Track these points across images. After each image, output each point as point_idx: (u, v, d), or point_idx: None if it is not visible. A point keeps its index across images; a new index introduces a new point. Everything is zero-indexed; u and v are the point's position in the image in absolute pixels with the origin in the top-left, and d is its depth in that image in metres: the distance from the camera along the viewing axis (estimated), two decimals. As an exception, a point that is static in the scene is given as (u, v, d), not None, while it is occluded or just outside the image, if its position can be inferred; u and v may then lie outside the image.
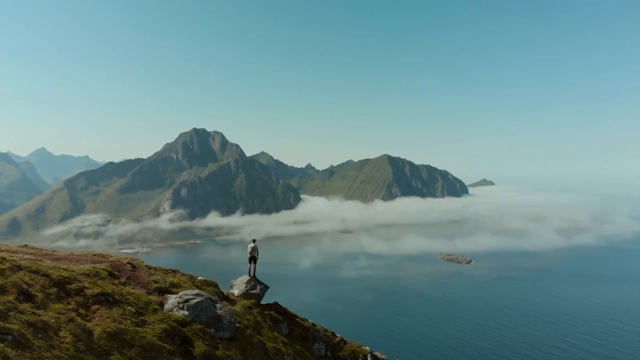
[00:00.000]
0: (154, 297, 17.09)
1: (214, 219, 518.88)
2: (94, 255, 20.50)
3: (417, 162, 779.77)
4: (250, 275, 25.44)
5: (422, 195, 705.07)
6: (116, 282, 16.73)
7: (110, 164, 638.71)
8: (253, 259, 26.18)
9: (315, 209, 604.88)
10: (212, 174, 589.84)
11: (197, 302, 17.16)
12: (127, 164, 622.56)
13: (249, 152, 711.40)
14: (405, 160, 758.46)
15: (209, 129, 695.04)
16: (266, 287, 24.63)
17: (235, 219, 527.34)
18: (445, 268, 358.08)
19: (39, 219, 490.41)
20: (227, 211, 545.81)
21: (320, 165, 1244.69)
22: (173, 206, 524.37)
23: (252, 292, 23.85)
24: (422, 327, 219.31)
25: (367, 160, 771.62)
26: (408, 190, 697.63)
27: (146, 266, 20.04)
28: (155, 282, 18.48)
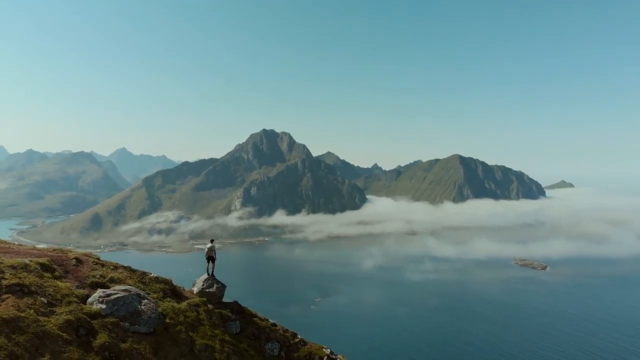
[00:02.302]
0: (81, 291, 18.49)
1: (279, 218, 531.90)
2: (54, 250, 22.42)
3: (490, 162, 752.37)
4: (208, 274, 26.59)
5: (496, 197, 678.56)
6: (47, 275, 18.31)
7: (186, 163, 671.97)
8: (211, 258, 27.35)
9: (381, 209, 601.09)
10: (280, 174, 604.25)
11: (119, 297, 18.36)
12: (202, 164, 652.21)
13: (315, 152, 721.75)
14: (478, 160, 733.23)
15: (278, 130, 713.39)
16: (223, 287, 25.52)
17: (300, 218, 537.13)
18: (519, 274, 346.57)
19: (119, 215, 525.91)
20: (293, 210, 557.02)
21: (387, 165, 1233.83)
22: (243, 204, 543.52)
23: (208, 290, 24.86)
24: (491, 336, 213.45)
25: (437, 160, 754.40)
26: (480, 192, 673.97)
27: (94, 262, 21.52)
28: (93, 277, 19.97)
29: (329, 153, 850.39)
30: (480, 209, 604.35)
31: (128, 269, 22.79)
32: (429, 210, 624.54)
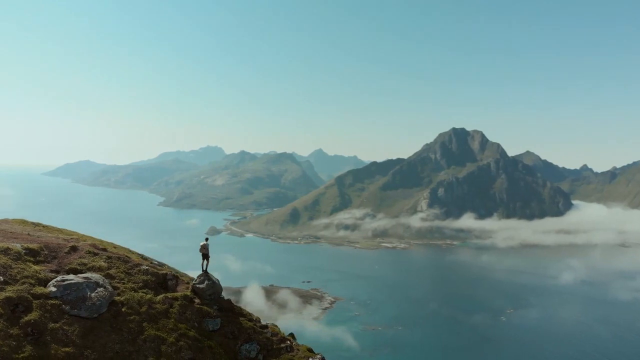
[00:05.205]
0: (52, 275, 21.37)
1: (466, 221, 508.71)
2: (71, 237, 26.19)
3: None
4: (202, 271, 27.72)
5: None
6: (28, 258, 21.67)
7: (374, 163, 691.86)
8: (205, 256, 28.40)
9: (589, 217, 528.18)
10: (470, 175, 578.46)
11: (72, 283, 20.67)
12: (389, 164, 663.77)
13: (511, 152, 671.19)
14: None
15: (469, 128, 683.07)
16: (215, 283, 26.17)
17: (490, 223, 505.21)
18: None
19: (314, 210, 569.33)
20: (484, 214, 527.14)
21: (599, 166, 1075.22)
22: (430, 205, 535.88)
23: (198, 286, 25.91)
24: None
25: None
26: None
27: (88, 252, 24.33)
28: (72, 264, 22.77)
29: (527, 152, 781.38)
30: None
31: (122, 259, 25.26)
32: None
